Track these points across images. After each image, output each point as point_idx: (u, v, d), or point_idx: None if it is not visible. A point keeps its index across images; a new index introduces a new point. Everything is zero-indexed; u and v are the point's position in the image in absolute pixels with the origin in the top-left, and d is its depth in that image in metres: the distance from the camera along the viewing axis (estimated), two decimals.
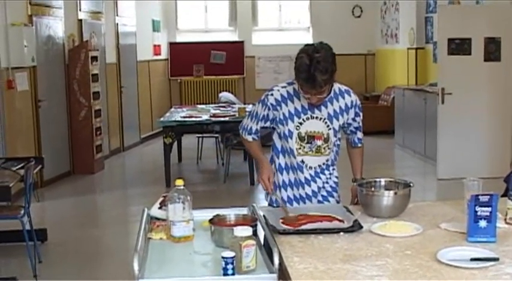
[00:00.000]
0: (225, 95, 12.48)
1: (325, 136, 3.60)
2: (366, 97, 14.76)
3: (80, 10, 10.38)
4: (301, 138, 3.59)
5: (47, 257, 6.17)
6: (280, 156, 3.69)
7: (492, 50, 8.82)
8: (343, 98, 3.63)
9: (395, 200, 3.22)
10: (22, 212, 5.69)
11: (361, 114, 3.73)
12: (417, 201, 3.49)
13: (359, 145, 3.87)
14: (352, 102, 3.65)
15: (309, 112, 3.58)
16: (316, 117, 3.58)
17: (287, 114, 3.58)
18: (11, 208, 6.05)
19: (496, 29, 8.78)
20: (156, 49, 14.30)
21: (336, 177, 3.77)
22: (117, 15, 11.99)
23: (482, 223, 2.81)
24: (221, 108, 10.57)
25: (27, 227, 5.74)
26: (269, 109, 3.62)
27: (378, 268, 2.52)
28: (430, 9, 11.93)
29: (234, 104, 11.44)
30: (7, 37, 8.18)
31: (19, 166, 5.96)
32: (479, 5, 9.59)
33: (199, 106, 11.34)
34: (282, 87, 3.64)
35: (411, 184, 3.33)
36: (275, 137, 3.72)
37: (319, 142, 3.60)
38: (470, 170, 7.46)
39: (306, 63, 3.32)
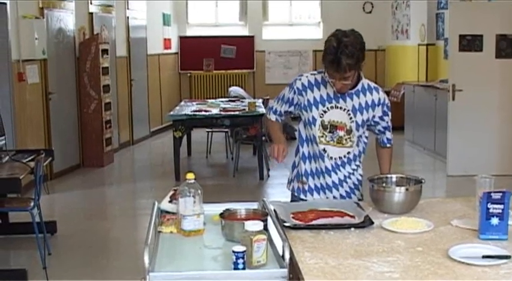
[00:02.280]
0: (235, 90, 12.48)
1: (348, 128, 3.59)
2: None
3: (90, 3, 10.39)
4: (324, 126, 3.59)
5: (56, 249, 6.18)
6: (304, 145, 3.70)
7: (504, 47, 8.78)
8: (371, 94, 3.62)
9: (406, 196, 3.21)
10: (32, 204, 5.70)
11: (389, 113, 3.70)
12: (427, 198, 3.48)
13: (388, 145, 3.84)
14: (379, 99, 3.63)
15: (334, 101, 3.58)
16: (340, 108, 3.58)
17: (312, 101, 3.60)
18: (21, 200, 6.08)
19: (508, 26, 8.73)
20: (167, 43, 14.30)
21: (360, 175, 3.75)
22: (127, 8, 11.99)
23: (494, 221, 2.80)
24: (231, 103, 10.56)
25: (37, 219, 5.75)
26: (295, 93, 3.65)
27: (389, 264, 2.51)
28: (441, 5, 11.88)
29: (244, 98, 11.44)
30: (18, 30, 8.19)
31: (29, 158, 5.97)
32: (491, 2, 9.53)
33: (209, 100, 11.33)
34: (311, 74, 3.68)
35: (422, 180, 3.32)
36: (300, 126, 3.74)
37: (341, 133, 3.60)
38: (480, 167, 7.43)
39: (334, 46, 3.33)
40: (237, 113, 9.26)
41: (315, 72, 3.69)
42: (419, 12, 12.79)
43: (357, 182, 3.74)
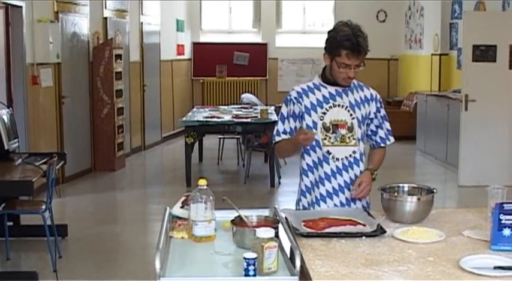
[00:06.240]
0: (247, 97, 12.49)
1: (349, 125, 3.59)
2: (388, 102, 14.69)
3: (105, 8, 10.44)
4: (326, 128, 3.57)
5: (67, 252, 6.21)
6: (305, 156, 3.63)
7: None
8: (363, 91, 3.68)
9: (418, 206, 3.20)
10: (44, 207, 5.73)
11: (381, 110, 3.73)
12: (438, 208, 3.47)
13: (382, 144, 3.80)
14: (371, 95, 3.70)
15: (331, 101, 3.59)
16: (339, 105, 3.59)
17: (309, 106, 3.59)
18: (33, 203, 6.11)
19: None
20: (180, 49, 14.34)
21: None
22: (141, 14, 12.04)
23: (506, 232, 2.79)
24: (243, 110, 10.57)
25: (48, 222, 5.78)
26: (293, 103, 3.63)
27: (400, 273, 2.51)
28: (455, 15, 11.86)
29: (256, 105, 11.45)
30: (33, 33, 8.25)
31: (42, 161, 6.00)
32: (506, 12, 9.51)
33: (221, 107, 11.35)
34: (302, 84, 3.72)
35: (434, 190, 3.32)
36: None
37: (343, 131, 3.58)
38: (492, 178, 7.38)
39: (349, 33, 3.46)
40: (249, 120, 9.27)
41: (306, 82, 3.73)
42: (432, 21, 12.77)
43: None
